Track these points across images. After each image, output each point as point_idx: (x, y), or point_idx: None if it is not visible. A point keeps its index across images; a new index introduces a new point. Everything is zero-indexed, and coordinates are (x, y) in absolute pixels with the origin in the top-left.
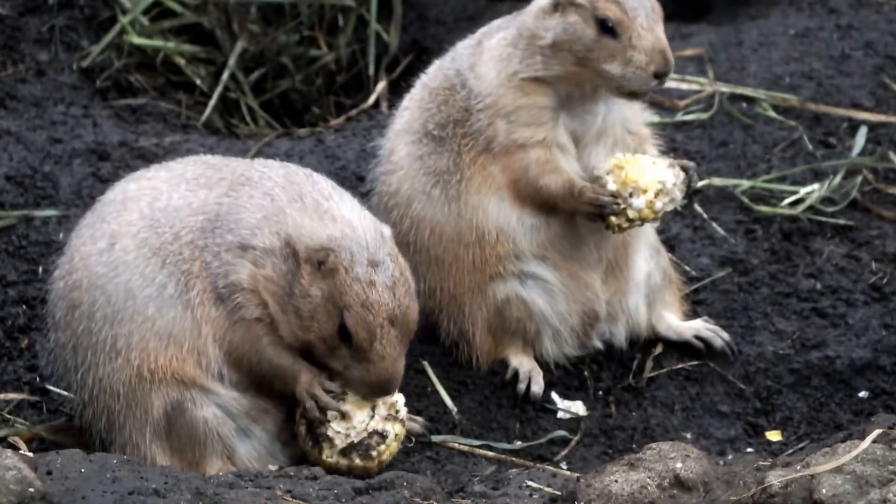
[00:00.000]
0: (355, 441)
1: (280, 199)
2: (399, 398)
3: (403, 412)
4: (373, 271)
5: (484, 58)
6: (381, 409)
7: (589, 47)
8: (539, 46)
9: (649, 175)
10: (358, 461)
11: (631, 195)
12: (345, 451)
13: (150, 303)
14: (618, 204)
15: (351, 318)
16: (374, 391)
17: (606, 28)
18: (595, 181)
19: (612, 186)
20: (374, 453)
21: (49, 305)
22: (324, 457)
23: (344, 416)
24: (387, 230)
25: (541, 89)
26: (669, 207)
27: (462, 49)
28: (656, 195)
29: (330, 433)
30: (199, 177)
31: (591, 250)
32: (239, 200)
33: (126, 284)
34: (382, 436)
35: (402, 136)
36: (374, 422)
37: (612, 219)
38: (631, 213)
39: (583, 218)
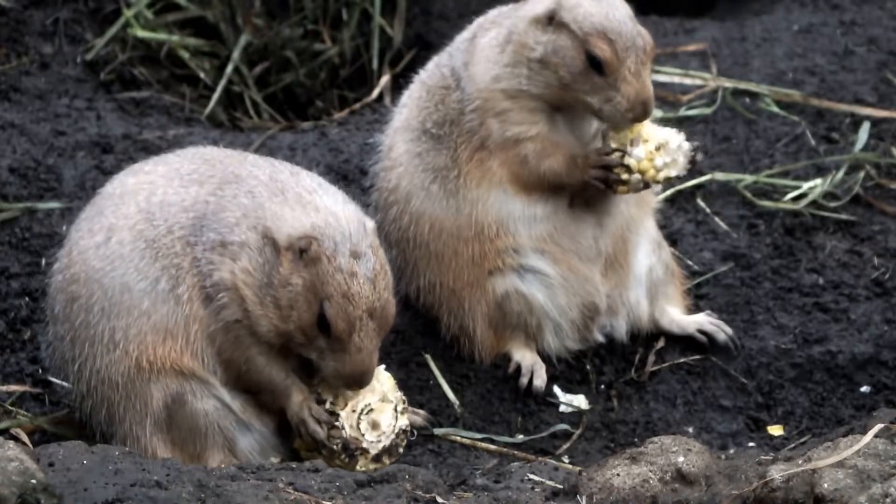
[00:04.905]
0: (387, 444)
1: (261, 195)
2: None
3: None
4: (355, 262)
5: (475, 57)
6: (399, 405)
7: (574, 77)
8: (527, 58)
9: (652, 131)
10: (387, 461)
11: (632, 143)
12: (377, 457)
13: (144, 297)
14: (621, 157)
15: (331, 309)
16: (348, 383)
17: (594, 63)
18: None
19: (613, 145)
20: (401, 450)
21: (48, 299)
22: (358, 467)
23: (375, 425)
24: (370, 223)
25: (528, 97)
26: (672, 173)
27: (458, 44)
28: (657, 148)
29: (365, 444)
30: (193, 172)
31: (591, 244)
32: (223, 200)
33: (122, 278)
34: (405, 431)
35: (400, 134)
36: (398, 421)
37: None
38: (629, 161)
39: (593, 184)
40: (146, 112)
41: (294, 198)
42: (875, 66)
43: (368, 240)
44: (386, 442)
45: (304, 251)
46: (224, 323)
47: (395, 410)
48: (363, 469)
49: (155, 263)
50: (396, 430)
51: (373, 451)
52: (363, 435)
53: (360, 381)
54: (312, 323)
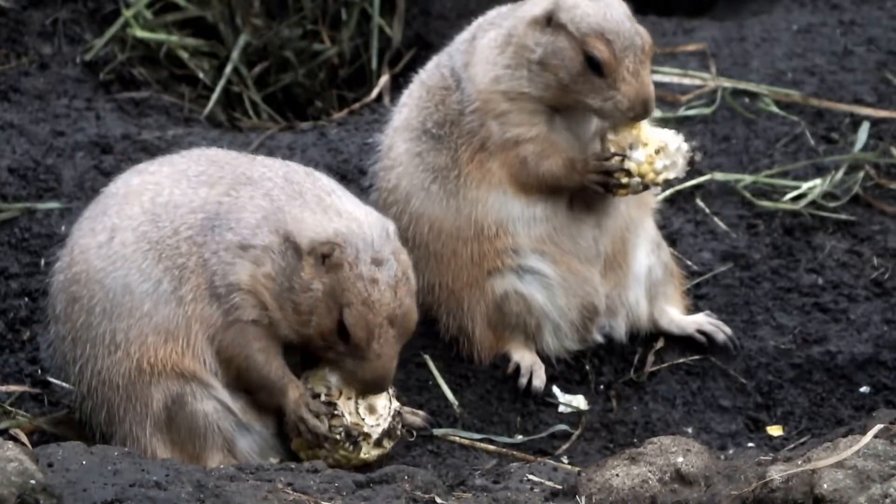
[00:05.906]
0: (386, 427)
1: (279, 198)
2: None
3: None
4: (376, 269)
5: (475, 58)
6: (390, 389)
7: (573, 78)
8: (527, 60)
9: (651, 133)
10: (388, 445)
11: (631, 147)
12: (378, 441)
13: (146, 298)
14: (621, 161)
15: (351, 316)
16: (366, 388)
17: (593, 64)
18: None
19: (612, 148)
20: (399, 432)
21: (49, 298)
22: (362, 454)
23: (371, 409)
24: (392, 226)
25: (528, 98)
26: (671, 175)
27: (458, 44)
28: (657, 151)
29: (366, 429)
30: (201, 174)
31: (590, 245)
32: (239, 200)
33: (124, 279)
34: (399, 413)
35: (400, 133)
36: (392, 403)
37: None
38: (629, 165)
39: (592, 188)
40: (145, 112)
41: (314, 200)
42: (875, 66)
43: (391, 245)
44: (385, 425)
45: (327, 257)
46: (236, 323)
47: (388, 393)
48: (366, 456)
49: (158, 265)
50: (392, 413)
51: (374, 435)
52: (363, 419)
53: (378, 386)
54: (332, 329)
